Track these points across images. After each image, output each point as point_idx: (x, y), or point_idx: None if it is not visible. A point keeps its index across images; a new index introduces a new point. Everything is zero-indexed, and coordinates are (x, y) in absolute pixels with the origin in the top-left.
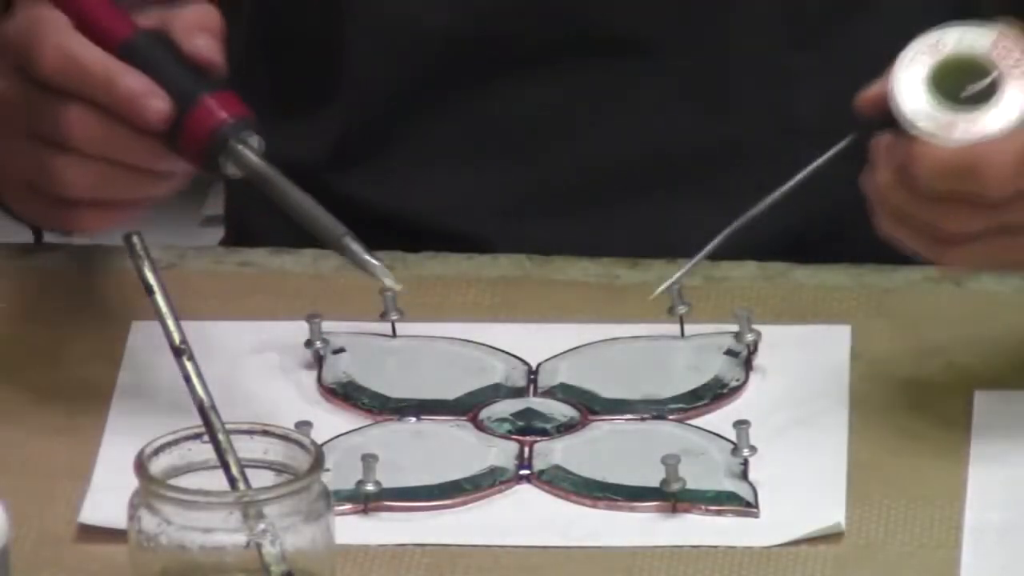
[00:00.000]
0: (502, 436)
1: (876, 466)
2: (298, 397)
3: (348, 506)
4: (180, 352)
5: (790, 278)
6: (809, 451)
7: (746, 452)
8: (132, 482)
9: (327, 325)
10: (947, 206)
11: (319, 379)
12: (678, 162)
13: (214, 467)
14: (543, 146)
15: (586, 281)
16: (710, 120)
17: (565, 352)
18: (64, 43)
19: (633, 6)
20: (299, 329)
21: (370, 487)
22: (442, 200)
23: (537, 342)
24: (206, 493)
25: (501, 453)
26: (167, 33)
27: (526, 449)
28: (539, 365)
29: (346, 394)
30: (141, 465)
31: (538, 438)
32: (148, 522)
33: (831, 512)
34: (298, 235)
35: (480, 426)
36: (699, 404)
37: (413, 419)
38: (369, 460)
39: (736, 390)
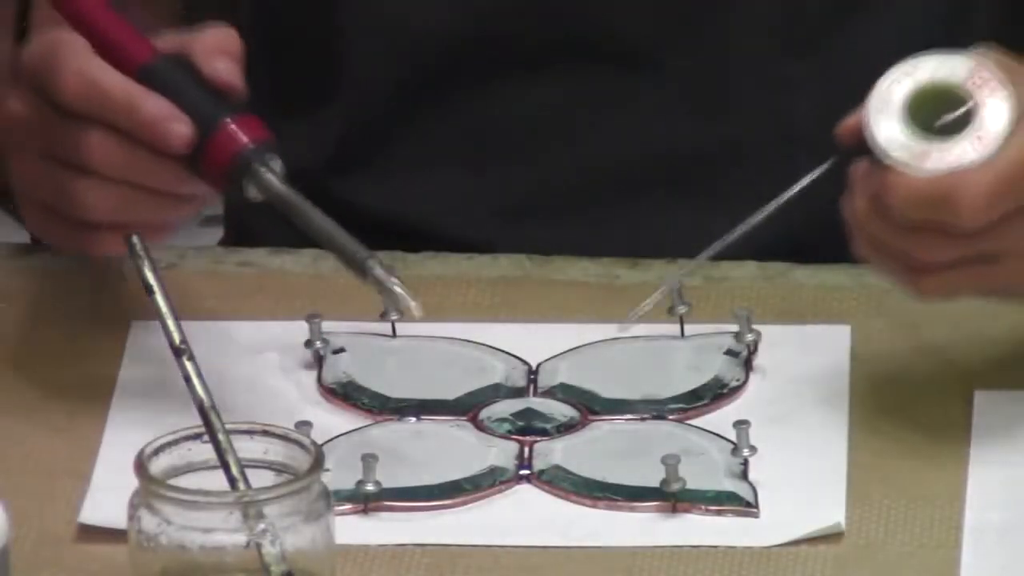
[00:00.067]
0: (502, 436)
1: (876, 466)
2: (298, 397)
3: (348, 506)
4: (180, 352)
5: (790, 278)
6: (809, 451)
7: (746, 452)
8: (132, 482)
9: (327, 325)
10: (921, 235)
11: (319, 379)
12: (677, 164)
13: (214, 467)
14: (543, 147)
15: (586, 281)
16: (709, 123)
17: (565, 352)
18: (84, 68)
19: (633, 9)
20: (299, 329)
21: (370, 487)
22: (442, 201)
23: (537, 342)
24: (206, 493)
25: (501, 453)
26: (187, 57)
27: (526, 449)
28: (539, 365)
29: (346, 394)
30: (141, 465)
31: (538, 438)
32: (148, 522)
33: (831, 512)
34: (298, 235)
35: (480, 426)
36: (699, 404)
37: (413, 419)
38: (369, 460)
39: (736, 390)
